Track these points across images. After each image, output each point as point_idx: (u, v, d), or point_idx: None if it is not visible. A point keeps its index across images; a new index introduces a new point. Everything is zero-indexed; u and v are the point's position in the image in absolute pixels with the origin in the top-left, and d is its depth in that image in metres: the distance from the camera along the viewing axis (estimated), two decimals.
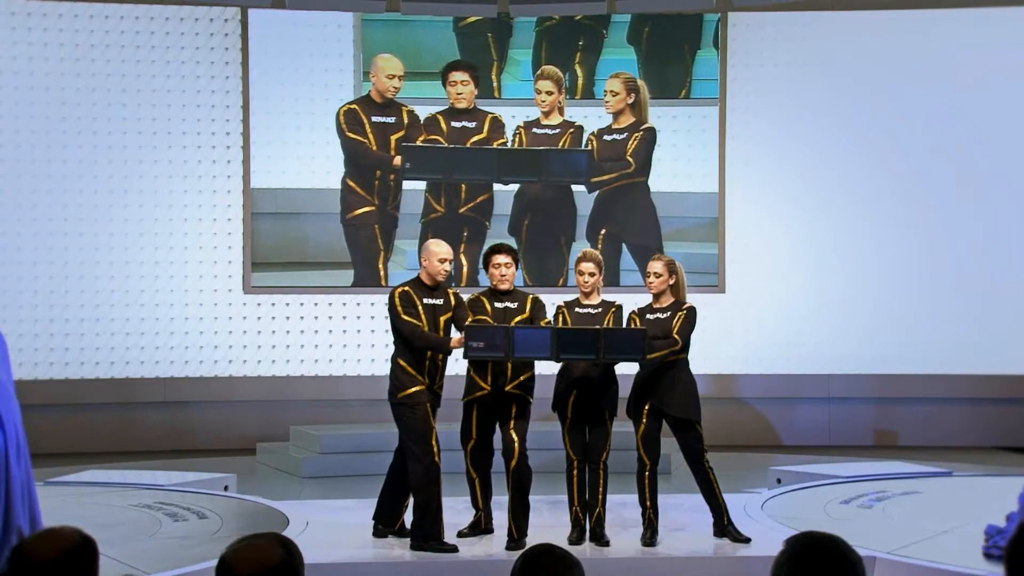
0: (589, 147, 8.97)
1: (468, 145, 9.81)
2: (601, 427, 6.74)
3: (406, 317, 6.59)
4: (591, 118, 10.86)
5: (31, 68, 11.26)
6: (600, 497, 6.72)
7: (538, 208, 9.09)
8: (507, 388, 6.72)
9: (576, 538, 6.69)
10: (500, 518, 6.84)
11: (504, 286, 6.79)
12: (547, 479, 7.53)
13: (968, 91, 11.76)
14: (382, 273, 9.66)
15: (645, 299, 7.07)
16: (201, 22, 11.53)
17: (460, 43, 11.09)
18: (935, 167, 11.83)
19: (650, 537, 6.72)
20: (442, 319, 6.72)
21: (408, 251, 10.90)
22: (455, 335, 6.70)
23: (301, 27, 11.65)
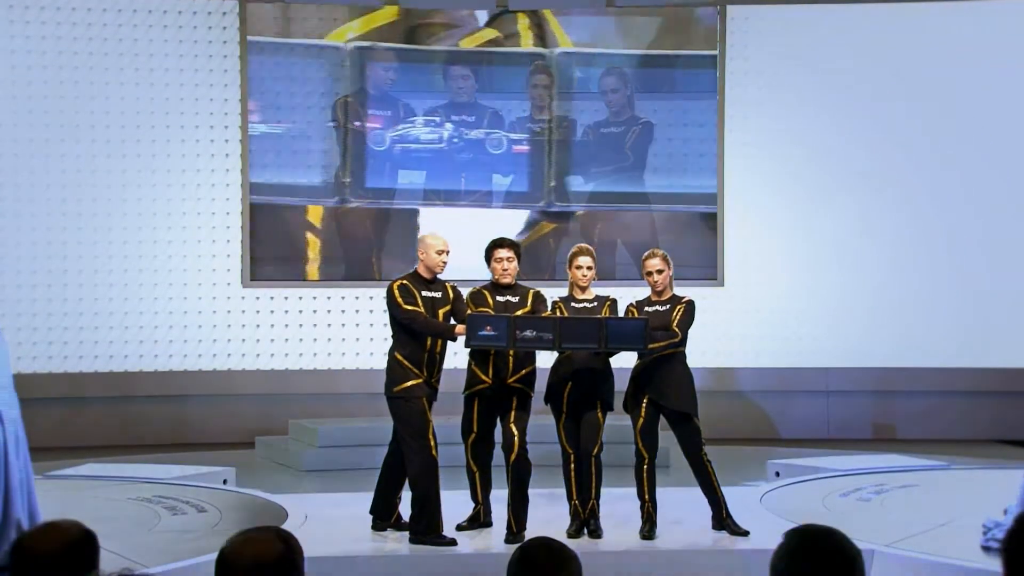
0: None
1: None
2: (593, 420, 6.76)
3: (407, 306, 6.60)
4: None
5: (29, 62, 11.25)
6: (593, 490, 6.74)
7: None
8: (509, 381, 6.72)
9: (575, 531, 6.70)
10: (499, 511, 6.84)
11: (506, 280, 6.82)
12: (546, 473, 7.53)
13: (967, 86, 11.76)
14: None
15: (635, 294, 7.08)
16: (199, 15, 11.52)
17: None
18: (933, 162, 11.83)
19: (648, 530, 6.73)
20: (441, 312, 6.73)
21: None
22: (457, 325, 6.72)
23: (297, 21, 11.66)
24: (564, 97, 11.92)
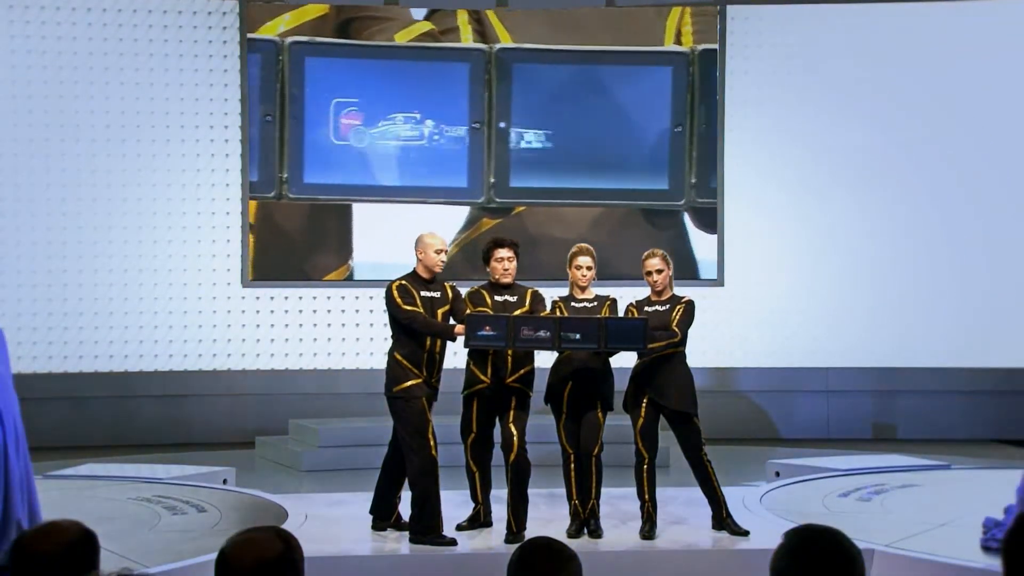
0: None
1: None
2: (594, 419, 6.76)
3: (406, 307, 6.60)
4: None
5: (29, 62, 11.25)
6: (594, 490, 6.74)
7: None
8: (508, 381, 6.72)
9: (575, 531, 6.70)
10: (499, 511, 6.84)
11: (506, 279, 6.82)
12: (546, 473, 7.53)
13: (966, 85, 11.77)
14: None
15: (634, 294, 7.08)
16: (199, 15, 11.53)
17: None
18: (933, 161, 11.84)
19: (649, 530, 6.73)
20: (440, 312, 6.73)
21: None
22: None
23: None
24: (504, 93, 11.89)
